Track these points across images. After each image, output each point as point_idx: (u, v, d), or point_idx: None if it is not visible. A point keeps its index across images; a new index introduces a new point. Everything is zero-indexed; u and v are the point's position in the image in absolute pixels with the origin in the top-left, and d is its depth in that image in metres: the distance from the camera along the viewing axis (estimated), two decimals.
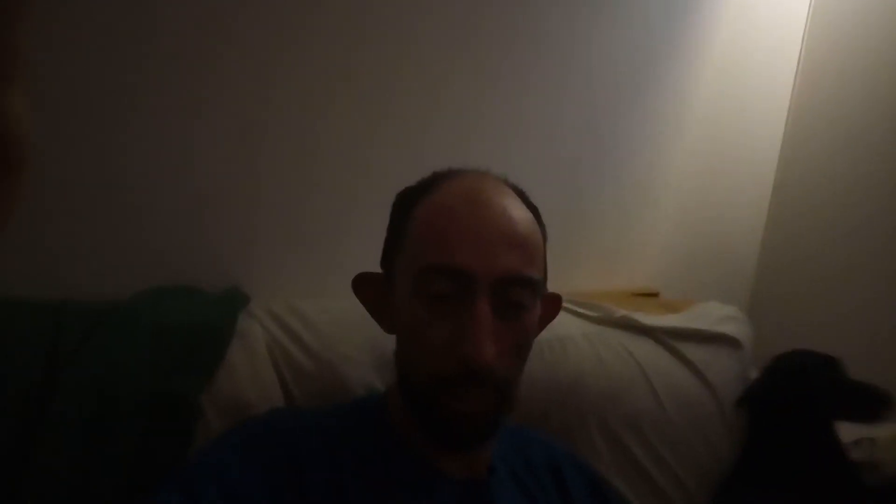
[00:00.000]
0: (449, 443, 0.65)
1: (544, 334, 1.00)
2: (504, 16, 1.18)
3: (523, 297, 0.64)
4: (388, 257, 0.72)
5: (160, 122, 0.93)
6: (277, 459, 0.62)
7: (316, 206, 1.09)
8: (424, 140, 1.13)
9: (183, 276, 0.94)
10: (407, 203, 0.70)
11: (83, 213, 0.89)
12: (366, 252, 0.75)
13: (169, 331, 0.78)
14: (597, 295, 1.28)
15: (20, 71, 0.30)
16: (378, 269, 0.74)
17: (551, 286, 1.05)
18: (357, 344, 0.90)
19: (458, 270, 0.61)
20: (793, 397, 1.04)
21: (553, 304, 0.77)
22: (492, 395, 0.63)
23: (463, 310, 0.61)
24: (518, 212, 0.66)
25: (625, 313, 1.11)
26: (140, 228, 0.94)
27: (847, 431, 1.03)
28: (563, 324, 1.06)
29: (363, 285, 0.74)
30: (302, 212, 1.08)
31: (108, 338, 0.74)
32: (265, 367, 0.84)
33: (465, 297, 0.61)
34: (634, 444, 1.02)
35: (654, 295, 1.41)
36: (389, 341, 0.72)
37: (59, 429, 0.67)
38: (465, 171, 0.71)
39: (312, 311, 0.95)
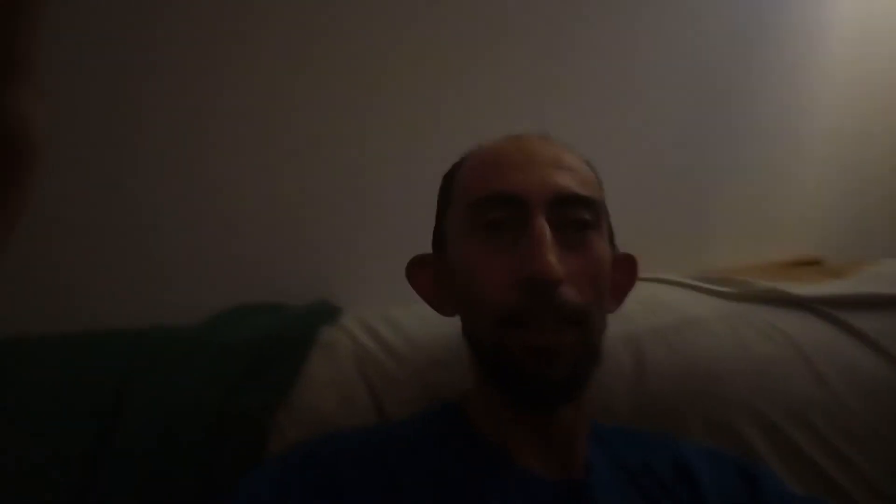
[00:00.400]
0: (527, 393, 0.57)
1: (666, 317, 0.88)
2: None
3: (584, 216, 0.60)
4: (438, 228, 0.68)
5: (239, 135, 0.93)
6: (314, 487, 0.56)
7: (410, 210, 1.04)
8: (506, 119, 1.04)
9: (274, 293, 0.92)
10: (452, 171, 0.68)
11: (166, 235, 0.91)
12: None
13: (241, 347, 0.75)
14: (742, 270, 1.10)
15: (31, 71, 0.30)
16: None
17: (676, 266, 0.91)
18: (449, 347, 0.83)
19: (510, 195, 0.58)
20: None
21: (627, 268, 0.69)
22: (568, 327, 0.56)
23: (521, 235, 0.57)
24: (564, 151, 0.64)
25: (769, 284, 0.93)
26: (225, 245, 0.93)
27: None
28: (691, 304, 0.91)
29: (417, 268, 0.69)
30: (394, 217, 1.03)
31: (178, 359, 0.73)
32: (351, 378, 0.79)
33: (521, 223, 0.57)
34: (805, 441, 0.83)
35: (816, 263, 1.20)
36: None
37: (124, 455, 0.66)
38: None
39: (405, 317, 0.89)
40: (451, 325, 0.77)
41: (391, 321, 0.87)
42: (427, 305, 0.82)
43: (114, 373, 0.71)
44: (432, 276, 0.68)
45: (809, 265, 1.19)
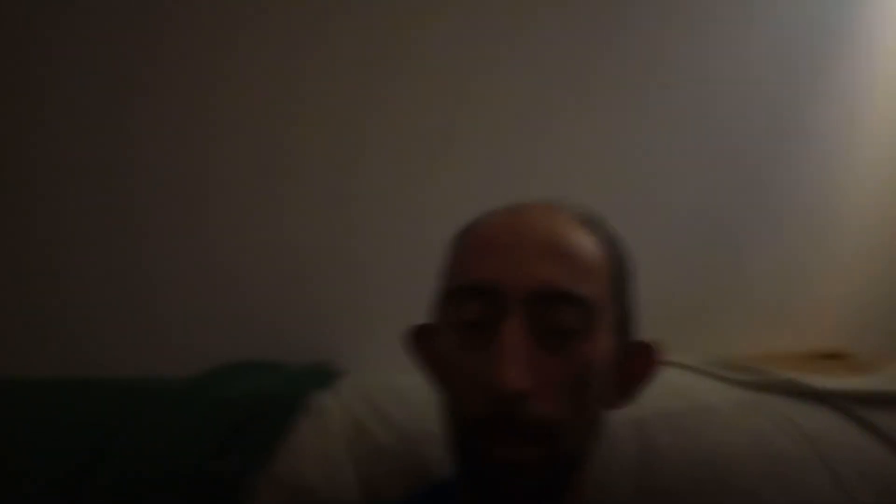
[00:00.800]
0: (493, 501, 0.53)
1: (675, 403, 0.85)
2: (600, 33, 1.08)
3: (570, 319, 0.52)
4: (435, 302, 0.63)
5: (246, 187, 0.94)
6: None
7: (423, 267, 1.03)
8: (516, 175, 1.04)
9: (275, 350, 0.92)
10: (452, 242, 0.62)
11: (168, 286, 0.91)
12: None
13: (227, 407, 0.74)
14: (760, 359, 1.06)
15: None
16: None
17: (689, 350, 0.88)
18: None
19: (483, 286, 0.53)
20: None
21: (643, 357, 0.62)
22: (536, 443, 0.51)
23: (495, 336, 0.51)
24: (567, 229, 0.56)
25: (789, 376, 0.90)
26: (226, 300, 0.93)
27: None
28: (704, 390, 0.87)
29: (419, 339, 0.65)
30: (408, 280, 1.02)
31: (161, 415, 0.72)
32: (337, 447, 0.76)
33: (497, 319, 0.51)
34: None
35: (842, 356, 1.15)
36: None
37: None
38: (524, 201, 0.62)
39: (408, 386, 0.87)
40: None
41: (391, 390, 0.85)
42: None
43: (95, 422, 0.71)
44: (430, 348, 0.64)
45: (834, 358, 1.14)
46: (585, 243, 0.56)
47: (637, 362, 0.61)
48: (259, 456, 0.71)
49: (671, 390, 0.86)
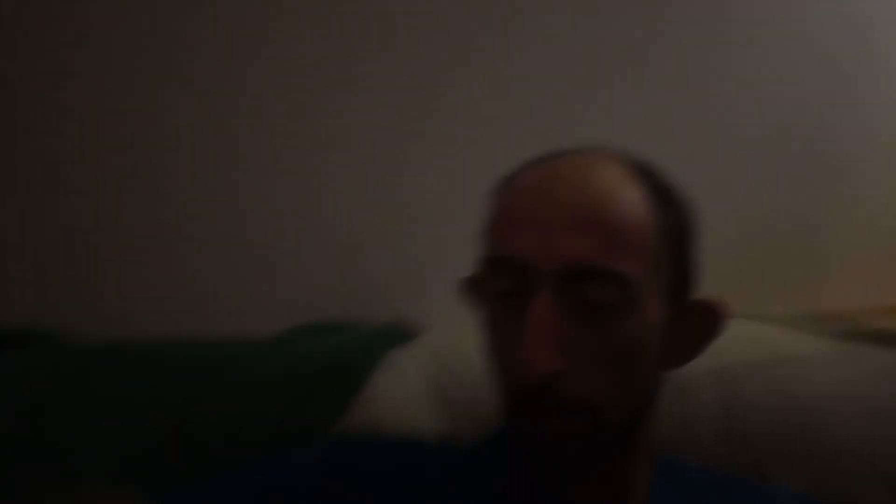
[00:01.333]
0: (539, 479, 0.53)
1: (758, 353, 0.81)
2: None
3: (606, 295, 0.49)
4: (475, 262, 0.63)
5: (302, 148, 0.96)
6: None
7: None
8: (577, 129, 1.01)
9: (350, 313, 0.94)
10: (490, 195, 0.60)
11: (238, 247, 0.95)
12: None
13: (305, 364, 0.77)
14: (861, 312, 1.00)
15: None
16: None
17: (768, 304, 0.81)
18: None
19: (513, 259, 0.50)
20: None
21: (706, 316, 0.56)
22: (574, 417, 0.50)
23: (525, 311, 0.49)
24: (607, 187, 0.51)
25: (884, 324, 0.84)
26: (298, 263, 0.96)
27: None
28: (789, 341, 0.83)
29: (470, 293, 0.63)
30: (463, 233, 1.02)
31: (244, 373, 0.76)
32: (416, 403, 0.79)
33: (526, 294, 0.49)
34: None
35: None
36: None
37: (186, 466, 0.70)
38: (570, 150, 0.57)
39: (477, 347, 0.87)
40: None
41: (462, 346, 0.86)
42: None
43: (181, 382, 0.75)
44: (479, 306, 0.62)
45: None
46: (628, 204, 0.50)
47: (695, 324, 0.56)
48: (339, 412, 0.74)
49: (752, 340, 0.83)
